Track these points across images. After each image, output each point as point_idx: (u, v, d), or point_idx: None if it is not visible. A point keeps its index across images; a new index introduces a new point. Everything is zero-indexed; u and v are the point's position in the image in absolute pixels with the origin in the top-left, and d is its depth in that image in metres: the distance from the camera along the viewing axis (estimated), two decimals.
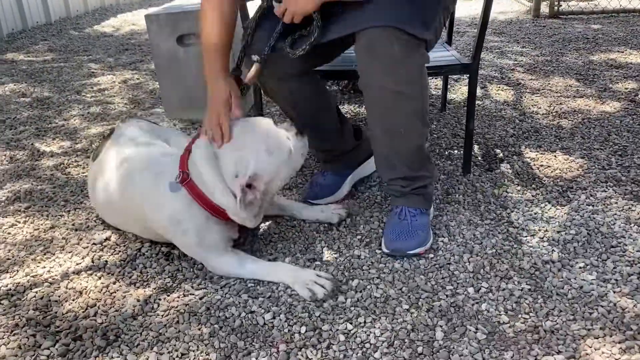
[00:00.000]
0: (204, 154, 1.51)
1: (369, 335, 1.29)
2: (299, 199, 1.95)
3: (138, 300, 1.44)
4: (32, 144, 2.59)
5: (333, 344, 1.27)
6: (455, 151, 2.30)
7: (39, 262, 1.64)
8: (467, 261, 1.56)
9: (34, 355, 1.26)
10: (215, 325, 1.34)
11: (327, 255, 1.63)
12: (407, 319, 1.34)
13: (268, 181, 1.52)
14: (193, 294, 1.47)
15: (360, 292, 1.45)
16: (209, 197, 1.50)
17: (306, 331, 1.31)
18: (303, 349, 1.26)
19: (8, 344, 1.30)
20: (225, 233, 1.59)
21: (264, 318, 1.36)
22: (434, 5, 1.52)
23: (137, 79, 3.72)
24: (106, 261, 1.63)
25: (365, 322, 1.34)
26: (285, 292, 1.46)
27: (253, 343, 1.29)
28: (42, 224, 1.86)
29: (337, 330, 1.32)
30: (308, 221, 1.81)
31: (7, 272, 1.60)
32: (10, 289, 1.51)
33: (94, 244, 1.72)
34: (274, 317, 1.36)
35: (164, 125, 2.74)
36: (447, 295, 1.42)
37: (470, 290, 1.44)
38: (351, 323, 1.34)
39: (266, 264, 1.55)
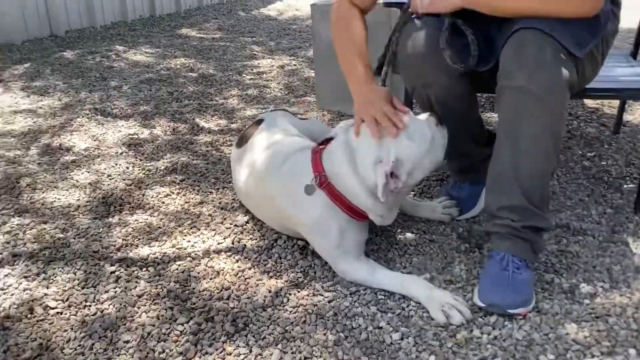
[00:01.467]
0: (341, 150, 1.48)
1: None
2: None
3: (269, 291, 1.45)
4: (193, 119, 2.76)
5: None
6: (629, 183, 2.02)
7: (185, 236, 1.73)
8: (631, 316, 1.35)
9: (169, 328, 1.32)
10: (341, 334, 1.31)
11: (467, 279, 1.51)
12: None
13: (410, 170, 1.45)
14: (322, 295, 1.44)
15: (500, 329, 1.32)
16: (349, 200, 1.47)
17: None
18: None
19: (149, 312, 1.38)
20: (360, 236, 1.55)
21: (391, 337, 1.29)
22: (591, 31, 1.42)
23: (294, 65, 3.81)
24: (245, 245, 1.67)
25: None
26: (417, 313, 1.38)
27: (379, 359, 1.23)
28: (192, 198, 1.96)
29: None
30: (417, 219, 1.79)
31: (157, 240, 1.70)
32: (157, 258, 1.61)
33: (235, 225, 1.78)
34: (402, 338, 1.29)
35: (312, 115, 2.77)
36: (602, 353, 1.24)
37: (632, 352, 1.24)
38: None
39: (399, 275, 1.48)
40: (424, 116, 1.56)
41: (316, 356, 1.24)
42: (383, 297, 1.44)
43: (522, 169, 1.41)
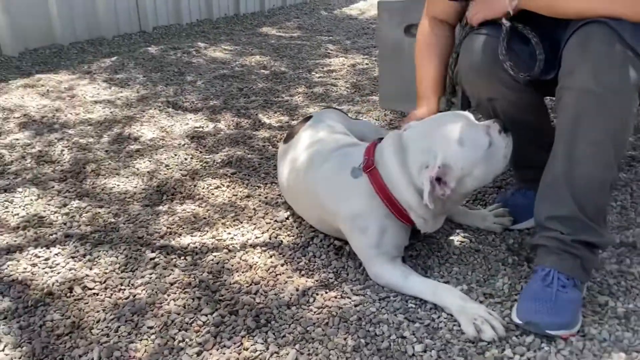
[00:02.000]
0: (392, 142, 1.45)
1: None
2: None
3: (297, 290, 1.43)
4: (256, 114, 2.80)
5: None
6: None
7: (227, 227, 1.75)
8: None
9: (193, 318, 1.34)
10: (362, 340, 1.26)
11: (508, 294, 1.41)
12: None
13: (460, 177, 1.37)
14: (350, 298, 1.40)
15: (535, 351, 1.21)
16: (391, 190, 1.42)
17: None
18: None
19: (177, 300, 1.40)
20: (400, 240, 1.49)
21: (413, 348, 1.23)
22: None
23: (366, 64, 3.77)
24: (281, 241, 1.66)
25: None
26: (446, 326, 1.30)
27: None
28: (240, 191, 1.99)
29: None
30: (466, 226, 1.70)
31: (199, 230, 1.73)
32: (196, 247, 1.64)
33: (275, 220, 1.77)
34: (425, 351, 1.22)
35: (375, 114, 2.72)
36: None
37: None
38: None
39: (433, 283, 1.41)
40: (487, 122, 1.48)
41: (331, 354, 1.21)
42: (413, 306, 1.37)
43: (577, 177, 1.29)
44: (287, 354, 1.22)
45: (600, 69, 1.22)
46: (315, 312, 1.36)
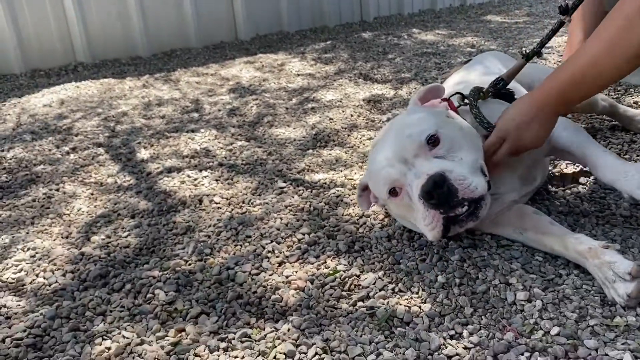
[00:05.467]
0: None
1: None
2: None
3: (403, 228, 1.28)
4: (443, 83, 2.64)
5: None
6: None
7: (361, 170, 1.67)
8: None
9: (290, 234, 1.30)
10: (457, 279, 1.06)
11: None
12: None
13: None
14: (461, 242, 1.20)
15: None
16: None
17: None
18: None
19: (283, 219, 1.38)
20: None
21: (515, 295, 0.99)
22: None
23: None
24: None
25: None
26: (574, 283, 1.01)
27: (487, 315, 0.95)
28: None
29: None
30: (601, 183, 1.28)
31: (334, 170, 1.69)
32: (324, 183, 1.60)
33: None
34: (529, 300, 0.97)
35: None
36: None
37: None
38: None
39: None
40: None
41: (415, 285, 1.04)
42: (540, 259, 1.11)
43: None
44: (366, 278, 1.09)
45: None
46: (414, 248, 1.19)
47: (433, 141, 1.05)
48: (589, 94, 1.13)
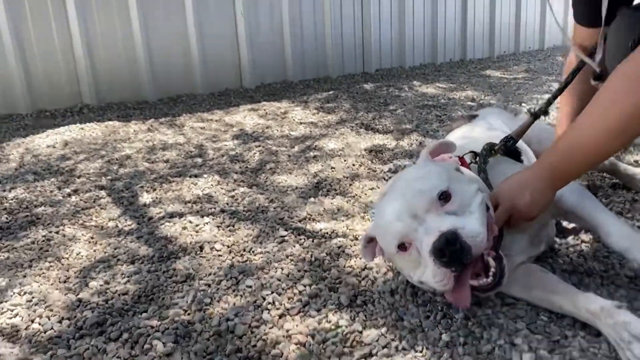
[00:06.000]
0: None
1: None
2: None
3: (408, 282, 1.27)
4: (443, 135, 2.67)
5: None
6: None
7: (364, 221, 1.67)
8: None
9: (291, 285, 1.28)
10: (461, 338, 1.04)
11: None
12: None
13: None
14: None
15: None
16: None
17: None
18: None
19: (284, 269, 1.37)
20: None
21: (521, 356, 0.97)
22: None
23: None
24: None
25: None
26: (580, 345, 0.99)
27: None
28: None
29: None
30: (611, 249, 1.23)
31: (336, 220, 1.69)
32: (326, 233, 1.59)
33: None
34: None
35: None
36: None
37: None
38: None
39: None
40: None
41: (418, 343, 1.02)
42: (545, 319, 1.09)
43: None
44: (369, 335, 1.07)
45: None
46: (418, 304, 1.18)
47: (445, 197, 1.05)
48: (583, 169, 1.15)
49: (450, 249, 0.97)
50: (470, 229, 1.00)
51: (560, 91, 1.42)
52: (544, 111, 1.43)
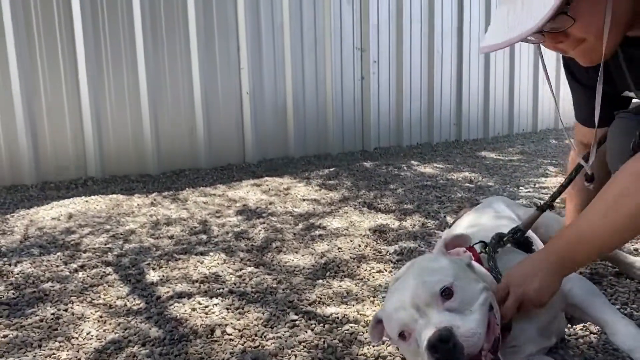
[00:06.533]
0: None
1: None
2: None
3: None
4: (445, 217, 2.72)
5: None
6: None
7: (374, 305, 1.68)
8: None
9: None
10: None
11: None
12: None
13: None
14: None
15: None
16: None
17: None
18: None
19: (297, 357, 1.36)
20: None
21: None
22: None
23: None
24: None
25: None
26: None
27: None
28: None
29: None
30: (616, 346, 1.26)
31: (346, 304, 1.70)
32: (337, 317, 1.60)
33: None
34: None
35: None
36: None
37: None
38: None
39: None
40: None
41: None
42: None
43: None
44: None
45: None
46: None
47: (447, 293, 1.08)
48: (589, 260, 1.20)
49: (443, 347, 0.99)
50: (466, 329, 1.03)
51: (564, 187, 1.49)
52: (550, 205, 1.49)
